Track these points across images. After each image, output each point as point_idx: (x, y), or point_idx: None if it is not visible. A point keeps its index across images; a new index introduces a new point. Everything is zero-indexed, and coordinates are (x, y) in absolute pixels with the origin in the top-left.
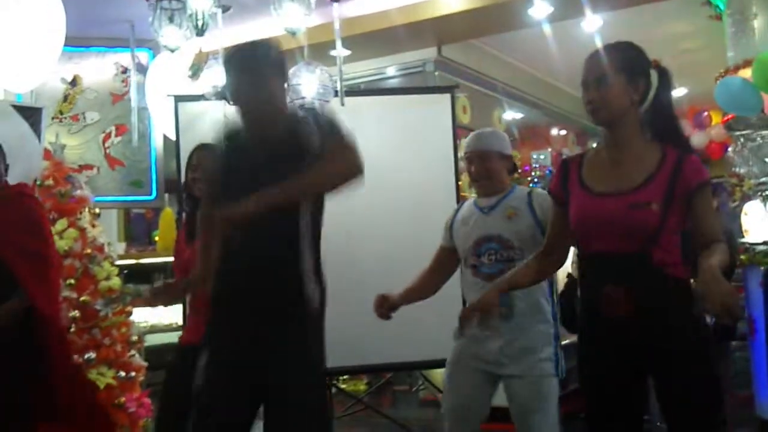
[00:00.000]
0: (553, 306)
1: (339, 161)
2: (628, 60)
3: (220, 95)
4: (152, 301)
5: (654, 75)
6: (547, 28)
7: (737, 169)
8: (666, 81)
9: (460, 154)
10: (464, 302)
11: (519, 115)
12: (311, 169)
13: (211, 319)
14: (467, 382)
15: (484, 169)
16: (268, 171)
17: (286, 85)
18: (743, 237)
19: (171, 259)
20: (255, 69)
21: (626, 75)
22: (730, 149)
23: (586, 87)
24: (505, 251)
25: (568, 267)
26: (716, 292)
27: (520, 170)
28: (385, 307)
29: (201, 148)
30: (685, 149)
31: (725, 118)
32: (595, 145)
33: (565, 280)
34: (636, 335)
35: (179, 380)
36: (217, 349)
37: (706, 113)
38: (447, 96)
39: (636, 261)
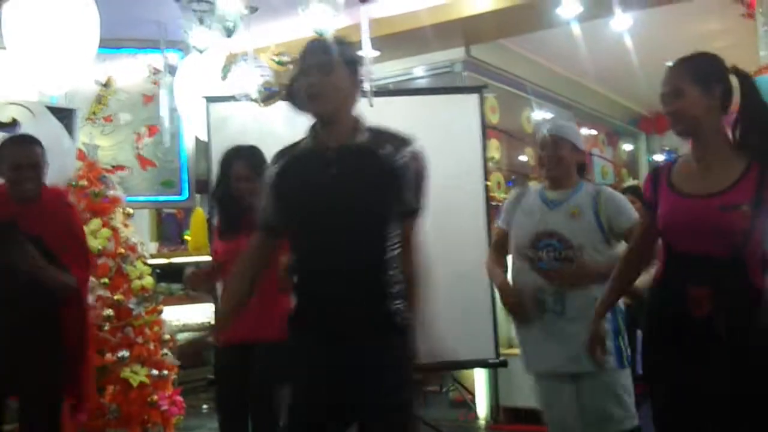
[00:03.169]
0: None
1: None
2: (701, 69)
3: (288, 96)
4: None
5: (734, 80)
6: (576, 28)
7: None
8: (747, 84)
9: (489, 154)
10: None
11: (548, 115)
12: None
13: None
14: (559, 393)
15: (556, 156)
16: (352, 193)
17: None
18: None
19: (202, 258)
20: (337, 68)
21: (701, 85)
22: None
23: (663, 101)
24: (564, 250)
25: None
26: None
27: None
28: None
29: (231, 159)
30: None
31: None
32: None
33: None
34: (712, 335)
35: (231, 381)
36: (303, 379)
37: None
38: (475, 96)
39: (724, 263)
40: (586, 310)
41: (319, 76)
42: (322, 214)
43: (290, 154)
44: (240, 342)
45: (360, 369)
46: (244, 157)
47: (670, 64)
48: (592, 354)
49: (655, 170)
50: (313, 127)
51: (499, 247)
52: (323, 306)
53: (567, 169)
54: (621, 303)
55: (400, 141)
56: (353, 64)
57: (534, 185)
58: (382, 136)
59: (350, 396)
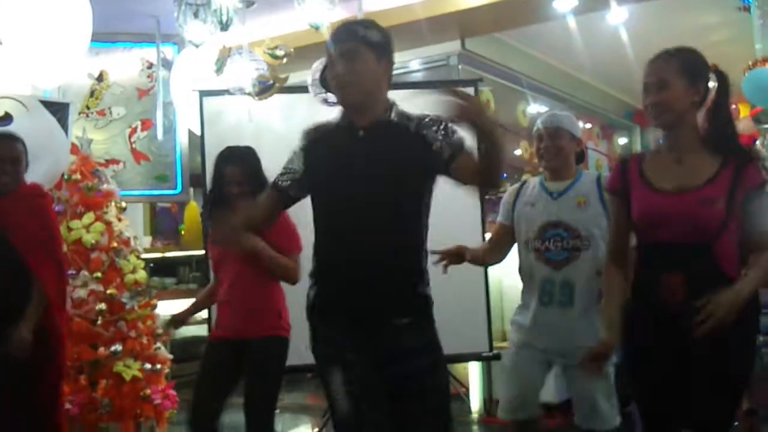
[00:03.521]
0: None
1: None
2: (689, 63)
3: (321, 85)
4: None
5: (712, 79)
6: (571, 21)
7: (765, 163)
8: (724, 85)
9: None
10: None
11: (543, 109)
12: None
13: (325, 332)
14: (529, 373)
15: (555, 146)
16: (382, 169)
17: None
18: None
19: (196, 252)
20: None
21: (687, 78)
22: (758, 142)
23: (647, 91)
24: (572, 240)
25: None
26: (723, 309)
27: None
28: (457, 255)
29: (225, 163)
30: (741, 156)
31: (753, 111)
32: (622, 141)
33: None
34: (686, 323)
35: (218, 378)
36: (348, 364)
37: (734, 106)
38: (470, 89)
39: (696, 252)
40: (594, 303)
41: (346, 64)
42: (352, 190)
43: (321, 131)
44: (233, 338)
45: (394, 352)
46: (237, 160)
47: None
48: (587, 369)
49: (624, 161)
50: (344, 110)
51: (494, 241)
52: (353, 287)
53: (566, 159)
54: None
55: (424, 115)
56: (382, 46)
57: (531, 178)
58: (409, 116)
59: (389, 378)
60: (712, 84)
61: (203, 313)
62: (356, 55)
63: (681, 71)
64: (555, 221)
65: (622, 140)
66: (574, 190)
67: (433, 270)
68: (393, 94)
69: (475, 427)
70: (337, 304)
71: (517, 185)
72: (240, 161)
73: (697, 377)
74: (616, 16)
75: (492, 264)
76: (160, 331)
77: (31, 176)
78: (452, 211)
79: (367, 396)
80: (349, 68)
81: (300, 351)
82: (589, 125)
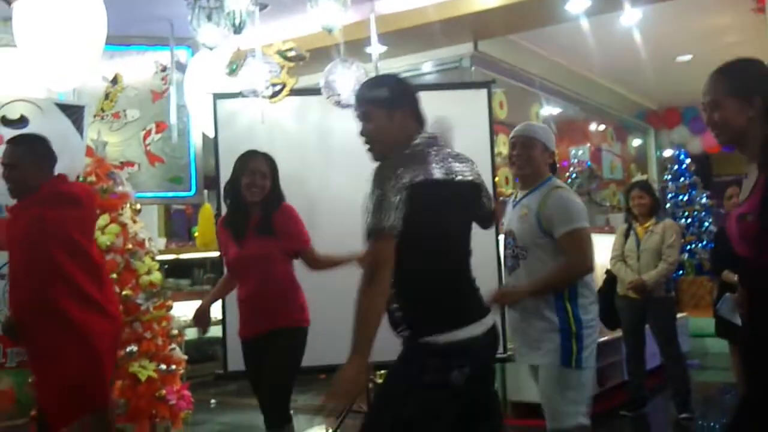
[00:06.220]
0: (566, 301)
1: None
2: (738, 81)
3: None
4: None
5: None
6: (584, 23)
7: None
8: None
9: (497, 150)
10: None
11: (557, 110)
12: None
13: None
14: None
15: (526, 154)
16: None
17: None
18: None
19: (210, 254)
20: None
21: (738, 95)
22: None
23: (704, 110)
24: (516, 248)
25: (606, 263)
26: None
27: (558, 165)
28: None
29: (254, 154)
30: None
31: None
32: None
33: (603, 276)
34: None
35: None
36: None
37: None
38: (483, 91)
39: (754, 271)
40: (537, 306)
41: (363, 126)
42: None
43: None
44: (263, 331)
45: None
46: (263, 156)
47: (684, 59)
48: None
49: None
50: None
51: None
52: None
53: (537, 169)
54: (577, 308)
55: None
56: (389, 100)
57: None
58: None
59: None
60: None
61: (217, 314)
62: (367, 118)
63: (730, 91)
64: (508, 230)
65: (636, 141)
66: (526, 199)
67: None
68: None
69: None
70: None
71: (512, 192)
72: (265, 157)
73: None
74: (630, 18)
75: None
76: (175, 332)
77: None
78: None
79: None
80: (366, 129)
81: (314, 352)
82: (602, 127)
